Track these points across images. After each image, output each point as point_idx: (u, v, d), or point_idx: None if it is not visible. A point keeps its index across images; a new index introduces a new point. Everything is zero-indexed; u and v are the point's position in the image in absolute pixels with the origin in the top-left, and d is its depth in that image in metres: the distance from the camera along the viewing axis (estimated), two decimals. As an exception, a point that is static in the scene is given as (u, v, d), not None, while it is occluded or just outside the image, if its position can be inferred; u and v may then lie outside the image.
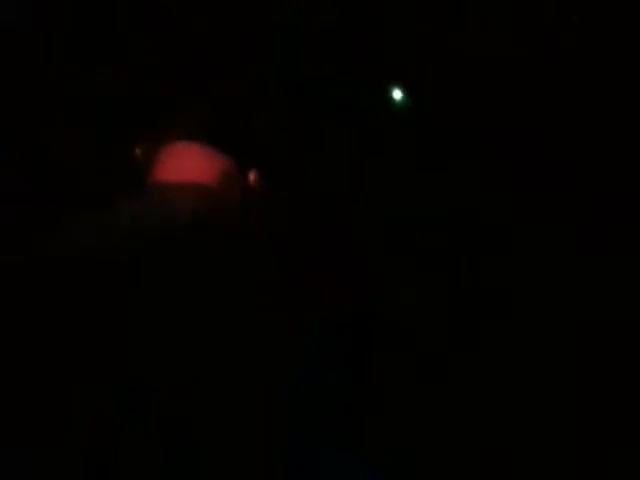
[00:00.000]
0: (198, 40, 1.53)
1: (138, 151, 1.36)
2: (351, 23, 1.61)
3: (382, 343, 1.49)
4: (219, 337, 1.23)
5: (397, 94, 1.56)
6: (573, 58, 1.58)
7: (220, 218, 1.23)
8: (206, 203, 1.21)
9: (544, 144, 1.57)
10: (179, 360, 1.18)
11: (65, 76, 1.50)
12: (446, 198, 1.56)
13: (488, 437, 1.44)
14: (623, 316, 1.48)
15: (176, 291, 1.17)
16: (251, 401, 1.24)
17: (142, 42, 1.52)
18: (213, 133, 1.33)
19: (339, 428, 1.41)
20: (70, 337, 1.11)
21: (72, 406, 1.10)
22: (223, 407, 1.21)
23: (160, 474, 1.15)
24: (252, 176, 1.32)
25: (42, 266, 1.08)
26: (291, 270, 1.36)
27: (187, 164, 1.25)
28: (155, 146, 1.28)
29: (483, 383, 1.47)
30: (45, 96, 1.49)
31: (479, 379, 1.47)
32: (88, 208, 1.13)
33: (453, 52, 1.59)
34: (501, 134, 1.57)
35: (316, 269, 1.45)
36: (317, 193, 1.52)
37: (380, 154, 1.58)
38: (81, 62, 1.51)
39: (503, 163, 1.56)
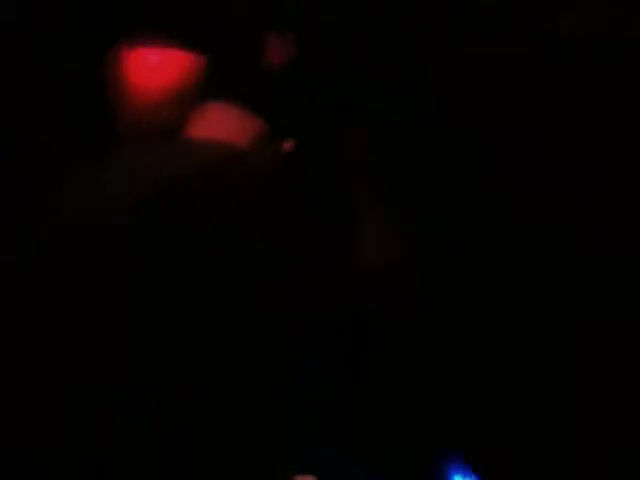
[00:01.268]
0: (199, 41, 1.53)
1: (167, 111, 1.34)
2: (351, 23, 1.61)
3: (382, 343, 1.48)
4: (219, 336, 1.23)
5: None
6: (573, 58, 1.58)
7: (247, 180, 1.22)
8: (235, 163, 1.20)
9: (544, 144, 1.57)
10: (179, 360, 1.18)
11: (65, 76, 1.50)
12: (446, 198, 1.56)
13: (488, 437, 1.44)
14: (623, 316, 1.48)
15: (180, 280, 1.16)
16: (251, 401, 1.24)
17: (142, 42, 1.52)
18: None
19: (339, 428, 1.41)
20: (70, 336, 1.11)
21: (72, 406, 1.10)
22: (223, 407, 1.21)
23: (160, 474, 1.15)
24: (287, 144, 1.31)
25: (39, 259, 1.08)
26: (291, 270, 1.36)
27: (220, 123, 1.25)
28: (186, 106, 1.27)
29: (483, 383, 1.47)
30: (45, 96, 1.49)
31: (479, 379, 1.47)
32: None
33: (453, 52, 1.59)
34: (501, 134, 1.57)
35: (316, 269, 1.45)
36: (317, 193, 1.52)
37: (380, 154, 1.58)
38: (81, 62, 1.51)
39: (503, 163, 1.56)
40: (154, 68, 1.41)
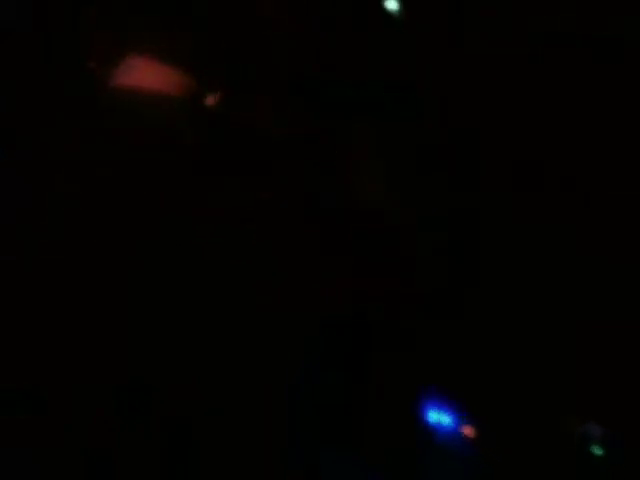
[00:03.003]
0: (200, 42, 1.53)
1: (94, 64, 1.35)
2: (351, 23, 1.61)
3: (382, 343, 1.49)
4: (219, 336, 1.23)
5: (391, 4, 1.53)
6: (573, 59, 1.58)
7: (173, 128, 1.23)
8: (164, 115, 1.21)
9: (544, 144, 1.57)
10: (179, 360, 1.18)
11: (65, 76, 1.50)
12: (446, 198, 1.56)
13: (487, 437, 1.45)
14: (622, 316, 1.48)
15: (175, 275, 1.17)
16: (251, 401, 1.24)
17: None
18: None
19: (339, 428, 1.41)
20: (71, 336, 1.11)
21: (73, 406, 1.10)
22: (223, 407, 1.21)
23: (160, 474, 1.15)
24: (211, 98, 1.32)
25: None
26: (291, 270, 1.36)
27: (146, 79, 1.26)
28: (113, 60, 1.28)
29: (482, 383, 1.47)
30: (45, 96, 1.49)
31: (479, 379, 1.47)
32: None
33: (454, 52, 1.59)
34: (501, 134, 1.57)
35: (316, 268, 1.45)
36: (317, 193, 1.53)
37: (380, 154, 1.58)
38: (81, 62, 1.51)
39: (503, 163, 1.56)
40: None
